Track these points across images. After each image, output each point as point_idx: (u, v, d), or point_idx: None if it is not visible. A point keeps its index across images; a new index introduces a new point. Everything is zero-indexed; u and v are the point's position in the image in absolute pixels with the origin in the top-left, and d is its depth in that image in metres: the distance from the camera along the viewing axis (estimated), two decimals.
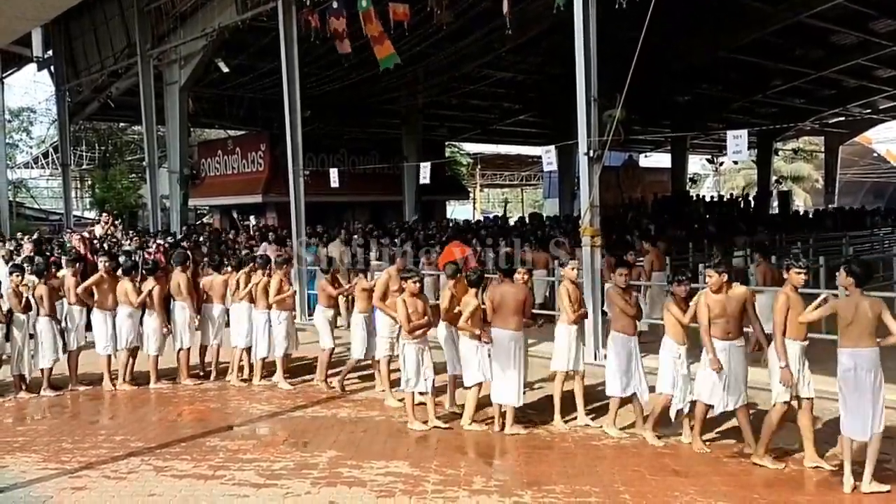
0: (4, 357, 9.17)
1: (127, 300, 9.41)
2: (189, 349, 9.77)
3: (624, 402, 7.28)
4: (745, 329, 6.66)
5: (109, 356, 9.45)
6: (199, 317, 9.86)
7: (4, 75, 26.06)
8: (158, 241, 15.49)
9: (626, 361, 7.08)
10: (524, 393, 7.49)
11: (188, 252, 11.76)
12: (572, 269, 7.79)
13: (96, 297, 9.48)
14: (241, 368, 9.81)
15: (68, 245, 14.69)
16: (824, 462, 6.10)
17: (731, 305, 6.35)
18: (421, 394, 7.60)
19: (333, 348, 9.41)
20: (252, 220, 25.73)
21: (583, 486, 5.80)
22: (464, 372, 7.60)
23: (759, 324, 6.60)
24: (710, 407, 6.52)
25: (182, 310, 9.71)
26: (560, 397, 7.54)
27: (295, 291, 10.64)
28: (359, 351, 8.95)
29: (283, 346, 9.44)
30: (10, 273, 9.24)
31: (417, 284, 7.48)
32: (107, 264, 9.60)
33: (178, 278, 9.81)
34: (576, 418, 7.54)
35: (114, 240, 16.15)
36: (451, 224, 22.79)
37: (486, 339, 7.36)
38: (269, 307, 9.44)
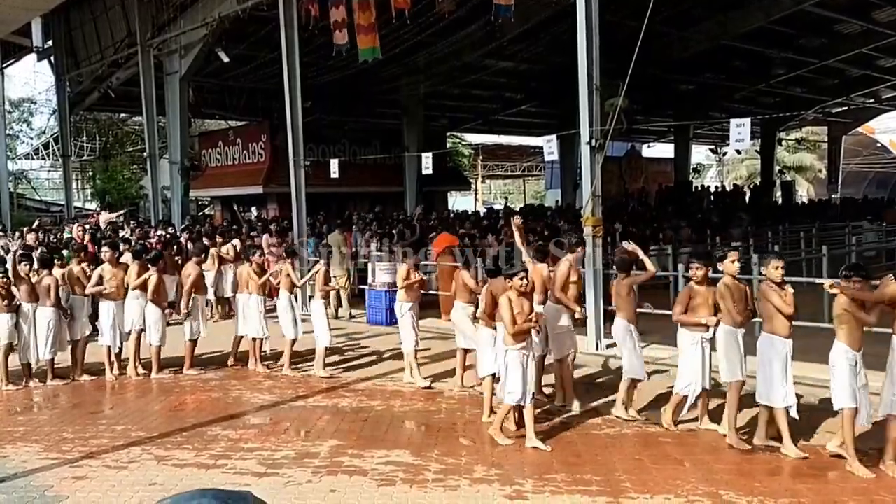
0: (15, 345, 9.16)
1: (131, 283, 9.49)
2: (195, 340, 9.74)
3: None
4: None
5: (109, 347, 9.45)
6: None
7: (4, 66, 26.09)
8: (159, 233, 15.52)
9: (781, 367, 6.15)
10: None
11: (207, 245, 11.81)
12: (732, 262, 6.64)
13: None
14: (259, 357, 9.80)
15: (67, 235, 14.72)
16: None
17: None
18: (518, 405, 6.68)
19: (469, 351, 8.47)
20: (253, 211, 25.72)
21: (584, 475, 5.78)
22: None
23: None
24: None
25: (193, 301, 9.72)
26: (736, 410, 6.56)
27: (423, 280, 9.55)
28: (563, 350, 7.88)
29: (412, 341, 8.82)
30: (20, 262, 9.25)
31: (524, 282, 6.63)
32: (108, 254, 9.61)
33: (191, 270, 9.83)
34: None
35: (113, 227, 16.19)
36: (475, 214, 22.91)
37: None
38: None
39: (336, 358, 10.08)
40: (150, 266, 9.53)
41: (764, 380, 6.24)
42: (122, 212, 21.05)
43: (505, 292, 6.69)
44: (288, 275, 9.61)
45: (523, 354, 6.52)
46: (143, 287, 9.44)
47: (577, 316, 7.74)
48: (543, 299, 7.65)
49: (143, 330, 9.53)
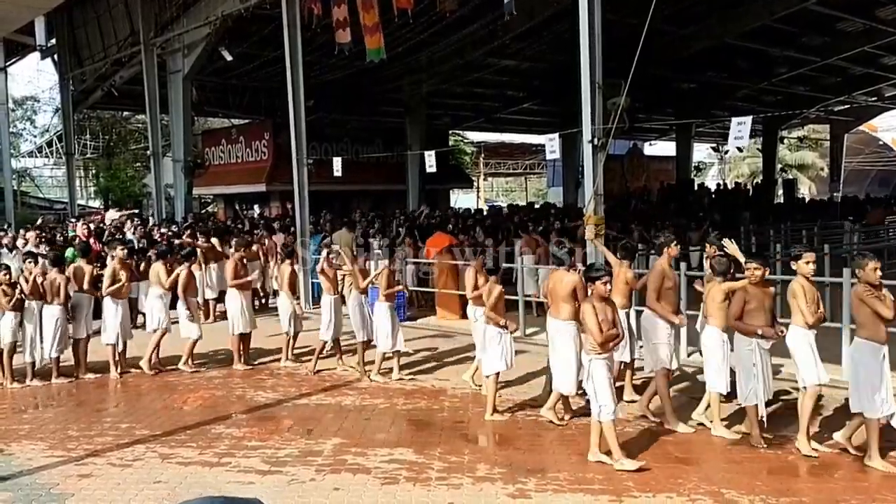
0: (19, 344, 9.18)
1: (158, 282, 9.58)
2: (241, 335, 9.74)
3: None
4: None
5: (114, 345, 9.47)
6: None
7: (8, 64, 26.12)
8: (162, 230, 15.55)
9: (878, 375, 5.81)
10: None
11: (250, 240, 11.85)
12: (806, 262, 6.29)
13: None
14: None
15: (72, 233, 14.77)
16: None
17: None
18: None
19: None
20: (256, 209, 25.76)
21: (586, 474, 5.80)
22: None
23: None
24: None
25: (235, 297, 9.77)
26: (809, 416, 6.23)
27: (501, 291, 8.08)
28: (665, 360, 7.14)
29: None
30: (24, 260, 9.26)
31: (608, 286, 6.24)
32: (122, 251, 9.67)
33: (231, 265, 9.94)
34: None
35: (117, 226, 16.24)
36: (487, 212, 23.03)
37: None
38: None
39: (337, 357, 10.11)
40: (179, 263, 9.65)
41: (856, 387, 5.93)
42: (125, 213, 21.16)
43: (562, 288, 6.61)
44: (359, 275, 9.29)
45: (608, 364, 6.08)
46: (173, 284, 9.53)
47: (677, 323, 7.14)
48: (626, 303, 7.56)
49: (167, 330, 9.60)
